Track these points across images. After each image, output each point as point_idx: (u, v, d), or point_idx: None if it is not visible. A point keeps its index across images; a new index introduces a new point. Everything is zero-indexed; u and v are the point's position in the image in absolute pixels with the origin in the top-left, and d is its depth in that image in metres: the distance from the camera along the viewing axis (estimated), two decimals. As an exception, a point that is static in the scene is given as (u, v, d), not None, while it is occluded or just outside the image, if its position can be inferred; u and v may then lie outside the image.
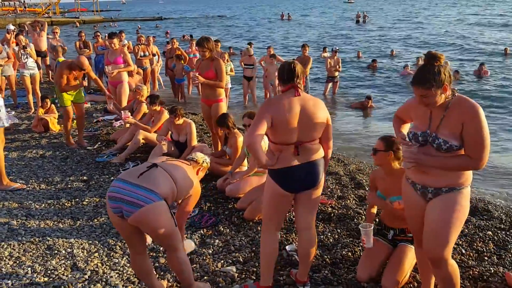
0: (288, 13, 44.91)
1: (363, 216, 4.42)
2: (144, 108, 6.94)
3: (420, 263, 3.05)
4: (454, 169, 2.55)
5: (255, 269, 3.55)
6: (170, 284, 3.39)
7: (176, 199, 2.96)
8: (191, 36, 16.05)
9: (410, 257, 3.29)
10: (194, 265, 3.62)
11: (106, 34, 9.78)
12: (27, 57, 9.03)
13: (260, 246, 3.18)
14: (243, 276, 3.48)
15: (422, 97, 2.49)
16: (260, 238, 3.17)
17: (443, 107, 2.52)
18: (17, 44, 9.58)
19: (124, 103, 7.62)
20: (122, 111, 6.58)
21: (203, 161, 3.33)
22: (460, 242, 3.89)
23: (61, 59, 7.32)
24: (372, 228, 3.23)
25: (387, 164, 3.27)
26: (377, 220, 4.33)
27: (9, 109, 8.98)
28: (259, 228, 4.24)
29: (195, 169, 3.26)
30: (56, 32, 11.20)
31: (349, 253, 3.75)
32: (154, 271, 3.50)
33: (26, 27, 12.50)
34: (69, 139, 6.89)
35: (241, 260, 3.71)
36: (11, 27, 12.24)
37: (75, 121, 7.16)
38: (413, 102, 2.75)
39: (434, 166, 2.57)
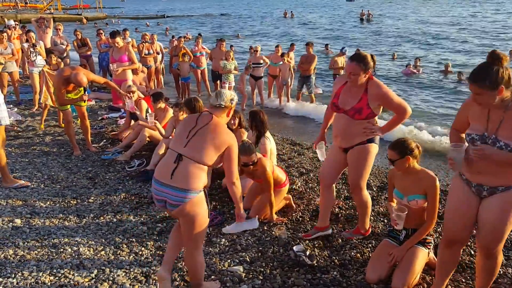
0: (291, 11, 44.84)
1: (371, 217, 4.37)
2: (144, 104, 6.88)
3: (441, 263, 3.03)
4: None
5: (262, 269, 3.52)
6: (177, 283, 3.36)
7: (215, 166, 3.00)
8: (199, 34, 15.90)
9: (421, 259, 3.27)
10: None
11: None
12: (36, 55, 8.99)
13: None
14: (250, 276, 3.44)
15: (476, 95, 2.49)
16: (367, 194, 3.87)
17: (502, 108, 2.48)
18: (26, 41, 9.56)
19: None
20: (128, 102, 6.54)
21: (231, 102, 3.00)
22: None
23: None
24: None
25: (408, 167, 3.27)
26: (385, 221, 4.32)
27: (11, 105, 8.97)
28: (265, 228, 4.21)
29: (223, 115, 3.01)
30: (59, 29, 11.15)
31: (358, 254, 3.72)
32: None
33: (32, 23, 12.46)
34: (88, 144, 6.67)
35: (248, 260, 3.68)
36: (12, 22, 12.21)
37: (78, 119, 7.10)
38: (469, 101, 2.72)
39: (501, 160, 2.51)
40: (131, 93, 6.80)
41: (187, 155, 2.82)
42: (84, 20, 31.17)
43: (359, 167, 3.71)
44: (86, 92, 6.41)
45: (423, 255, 3.31)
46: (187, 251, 3.05)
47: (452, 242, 2.89)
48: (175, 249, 3.17)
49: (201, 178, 2.82)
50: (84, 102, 6.43)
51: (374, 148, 3.69)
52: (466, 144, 2.75)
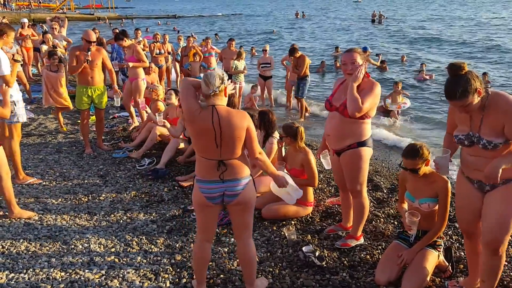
0: (303, 12, 44.78)
1: (382, 219, 4.36)
2: (161, 106, 6.96)
3: (467, 254, 3.19)
4: None
5: (271, 270, 3.53)
6: (185, 280, 3.37)
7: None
8: (216, 34, 15.78)
9: (431, 261, 3.25)
10: (210, 263, 3.60)
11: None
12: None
13: None
14: (259, 276, 3.44)
15: (462, 109, 2.60)
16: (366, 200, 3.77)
17: (480, 107, 2.62)
18: (43, 42, 9.61)
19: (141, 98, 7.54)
20: (138, 100, 6.63)
21: (223, 82, 2.82)
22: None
23: None
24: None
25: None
26: (395, 223, 4.30)
27: (24, 103, 9.04)
28: (275, 228, 4.21)
29: (222, 97, 2.85)
30: (55, 28, 11.09)
31: (368, 256, 3.70)
32: (171, 268, 3.51)
33: (46, 22, 12.57)
34: (100, 143, 6.71)
35: (257, 259, 3.66)
36: (25, 20, 12.34)
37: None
38: (451, 108, 2.88)
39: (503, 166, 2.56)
40: (154, 91, 7.20)
41: (227, 158, 2.84)
42: (107, 19, 30.80)
43: (353, 172, 3.65)
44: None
45: (433, 258, 3.29)
46: (243, 243, 3.04)
47: (468, 234, 3.04)
48: (204, 265, 3.15)
49: (246, 164, 2.93)
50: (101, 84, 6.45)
51: (366, 151, 3.59)
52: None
